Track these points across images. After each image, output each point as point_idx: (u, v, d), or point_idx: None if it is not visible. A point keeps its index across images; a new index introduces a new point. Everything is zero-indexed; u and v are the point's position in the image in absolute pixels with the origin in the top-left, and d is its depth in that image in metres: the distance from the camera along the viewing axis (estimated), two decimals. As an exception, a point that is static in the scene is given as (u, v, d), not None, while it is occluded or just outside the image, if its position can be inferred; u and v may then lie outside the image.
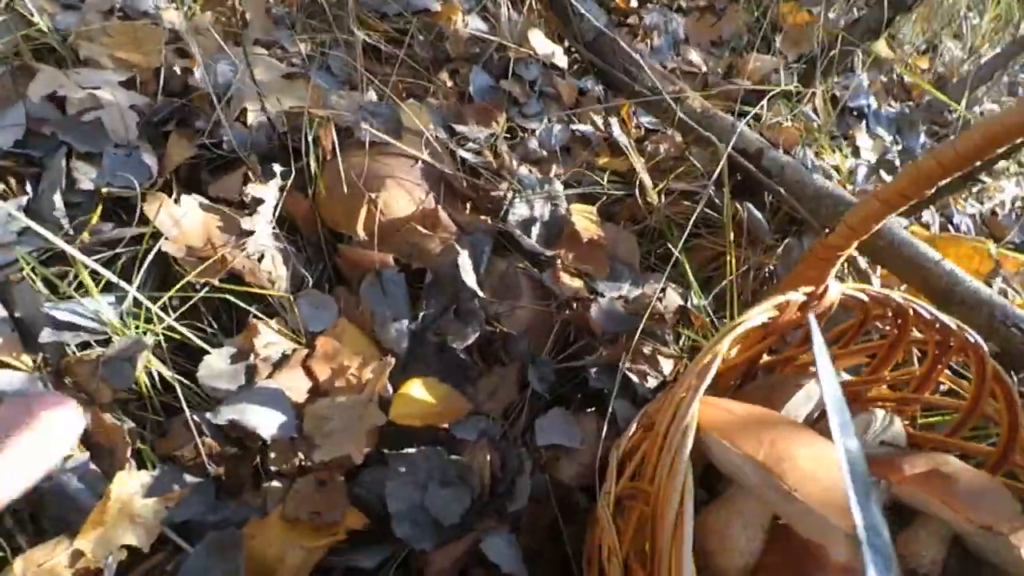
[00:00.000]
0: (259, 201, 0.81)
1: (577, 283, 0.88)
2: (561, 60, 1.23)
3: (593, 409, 0.86)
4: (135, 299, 0.75)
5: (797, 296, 0.66)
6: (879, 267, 0.92)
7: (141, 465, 0.73)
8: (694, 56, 1.39)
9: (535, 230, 0.93)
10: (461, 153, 0.99)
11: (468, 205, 0.93)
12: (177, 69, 1.00)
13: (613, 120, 1.18)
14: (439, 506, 0.76)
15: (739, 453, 0.57)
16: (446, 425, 0.81)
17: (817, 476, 0.56)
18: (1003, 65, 1.39)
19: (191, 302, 0.78)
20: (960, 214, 1.31)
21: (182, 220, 0.80)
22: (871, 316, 0.77)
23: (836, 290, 0.68)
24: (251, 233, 0.80)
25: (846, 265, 1.03)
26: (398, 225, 0.84)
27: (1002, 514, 0.63)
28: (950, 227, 1.29)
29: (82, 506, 0.65)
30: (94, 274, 0.74)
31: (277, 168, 0.85)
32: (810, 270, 0.66)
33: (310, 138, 0.82)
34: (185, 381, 0.77)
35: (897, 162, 1.35)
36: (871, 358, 0.84)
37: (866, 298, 0.71)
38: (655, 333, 0.89)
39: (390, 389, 0.82)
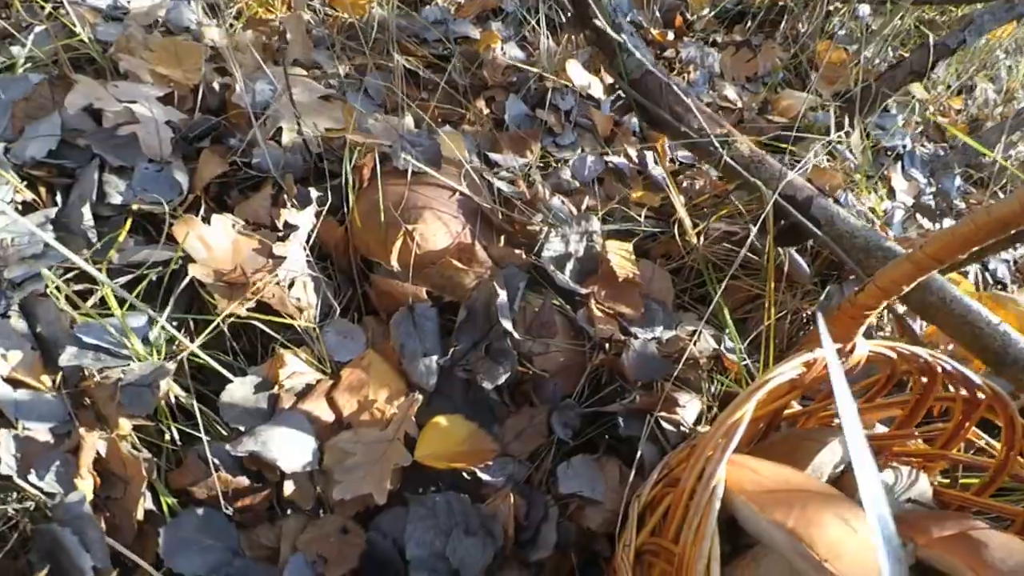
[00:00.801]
0: (293, 227, 0.77)
1: (611, 325, 0.83)
2: (597, 91, 1.19)
3: (619, 455, 0.81)
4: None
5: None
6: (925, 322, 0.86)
7: (155, 498, 0.69)
8: (729, 92, 1.34)
9: (569, 266, 0.88)
10: (495, 183, 0.95)
11: (503, 239, 0.88)
12: (216, 86, 0.97)
13: (648, 153, 1.14)
14: (461, 556, 0.70)
15: (768, 519, 0.54)
16: (473, 468, 0.76)
17: (848, 546, 0.52)
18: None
19: (215, 328, 0.74)
20: (996, 260, 1.25)
21: (211, 242, 0.76)
22: (898, 372, 0.74)
23: (864, 348, 0.66)
24: (283, 259, 0.76)
25: (885, 313, 0.97)
26: (433, 258, 0.80)
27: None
28: (986, 273, 1.23)
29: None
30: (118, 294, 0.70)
31: (313, 193, 0.81)
32: (839, 327, 0.63)
33: (349, 165, 0.78)
34: (205, 409, 0.73)
35: (932, 204, 1.30)
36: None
37: (894, 355, 0.68)
38: (688, 380, 0.84)
39: (416, 426, 0.78)
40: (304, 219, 0.77)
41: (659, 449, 0.77)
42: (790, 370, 0.61)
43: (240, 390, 0.74)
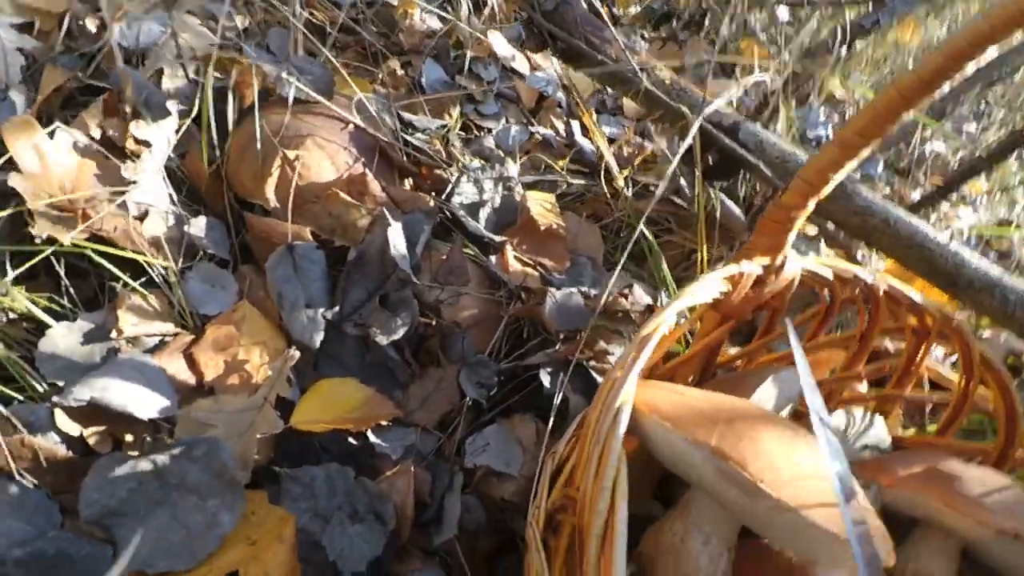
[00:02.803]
0: (145, 144, 0.62)
1: (528, 271, 0.71)
2: (522, 65, 1.10)
3: (544, 420, 0.67)
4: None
5: (752, 267, 0.52)
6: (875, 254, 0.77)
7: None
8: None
9: (483, 215, 0.76)
10: (409, 140, 0.83)
11: (409, 183, 0.76)
12: (88, 24, 0.83)
13: (575, 123, 1.05)
14: (341, 548, 0.54)
15: (685, 438, 0.41)
16: (362, 430, 0.60)
17: (789, 462, 0.39)
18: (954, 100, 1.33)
19: (40, 260, 0.57)
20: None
21: (49, 156, 0.60)
22: (838, 298, 0.64)
23: (795, 264, 0.55)
24: (131, 184, 0.61)
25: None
26: (318, 192, 0.66)
27: (1022, 515, 0.47)
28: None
29: None
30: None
31: (174, 106, 0.66)
32: (766, 236, 0.52)
33: (209, 78, 0.64)
34: (24, 364, 0.56)
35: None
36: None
37: (830, 275, 0.57)
38: (621, 333, 0.72)
39: (295, 391, 0.62)
40: (159, 134, 0.63)
41: (589, 403, 0.64)
42: (712, 285, 0.50)
43: (65, 338, 0.57)
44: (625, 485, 0.37)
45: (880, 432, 0.64)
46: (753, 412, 0.44)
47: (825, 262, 0.58)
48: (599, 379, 0.65)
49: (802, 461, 0.39)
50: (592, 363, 0.66)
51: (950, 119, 1.38)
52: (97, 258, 0.58)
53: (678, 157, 0.65)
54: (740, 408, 0.44)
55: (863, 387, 0.74)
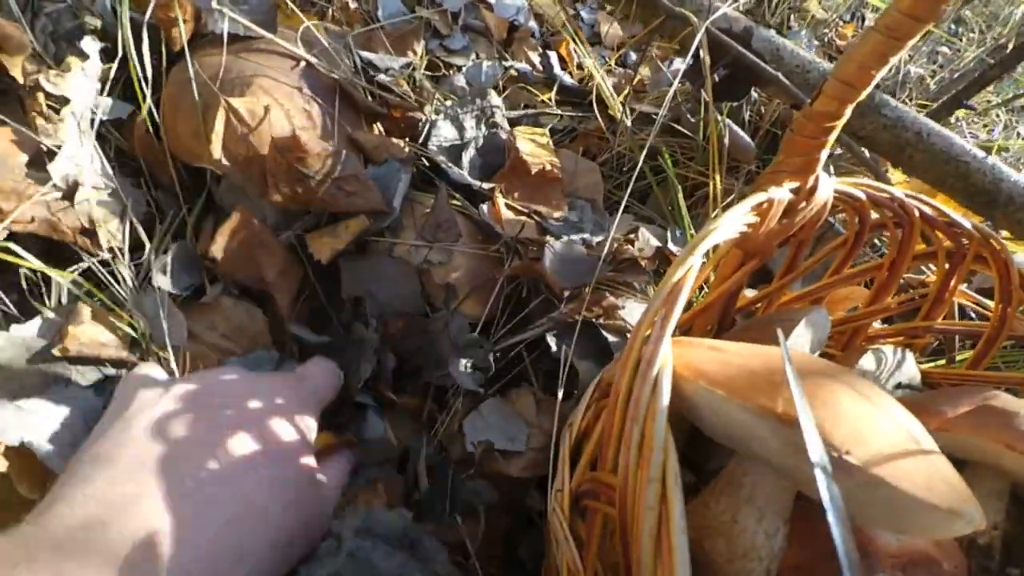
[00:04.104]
0: (62, 100, 0.50)
1: (525, 220, 0.62)
2: (488, -9, 0.98)
3: (544, 387, 0.60)
4: None
5: (782, 194, 0.43)
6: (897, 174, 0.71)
7: None
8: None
9: (467, 158, 0.66)
10: (373, 78, 0.72)
11: (378, 128, 0.66)
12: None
13: (552, 55, 0.94)
14: None
15: (744, 406, 0.33)
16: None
17: (877, 428, 0.33)
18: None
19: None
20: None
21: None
22: (868, 223, 0.56)
23: (828, 186, 0.47)
24: (52, 154, 0.49)
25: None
26: (275, 146, 0.55)
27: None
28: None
29: None
30: None
31: (91, 45, 0.53)
32: (795, 154, 0.43)
33: (124, 13, 0.52)
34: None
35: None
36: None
37: (863, 196, 0.49)
38: (631, 285, 0.64)
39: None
40: (78, 85, 0.50)
41: (600, 367, 0.57)
42: (740, 216, 0.40)
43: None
44: (677, 472, 0.30)
45: (911, 368, 0.59)
46: (817, 367, 0.37)
47: (856, 182, 0.51)
48: (612, 339, 0.58)
49: (887, 426, 0.33)
50: (602, 320, 0.58)
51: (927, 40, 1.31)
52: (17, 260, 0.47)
53: (682, 71, 0.56)
54: (799, 362, 0.37)
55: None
